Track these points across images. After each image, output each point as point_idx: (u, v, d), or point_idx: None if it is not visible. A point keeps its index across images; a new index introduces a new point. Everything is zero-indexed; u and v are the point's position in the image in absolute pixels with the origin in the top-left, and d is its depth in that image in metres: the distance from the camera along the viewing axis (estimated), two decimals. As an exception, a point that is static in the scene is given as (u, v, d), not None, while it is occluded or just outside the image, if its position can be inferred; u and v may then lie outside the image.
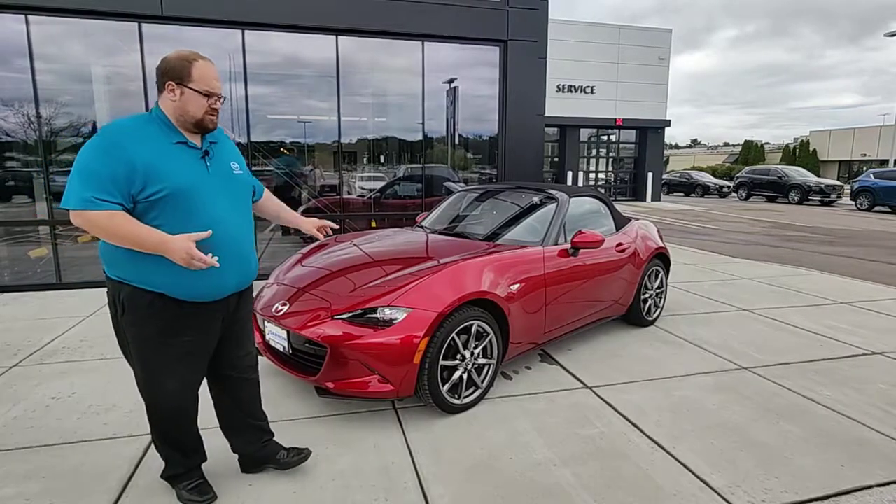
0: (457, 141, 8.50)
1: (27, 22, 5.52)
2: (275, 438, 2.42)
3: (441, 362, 2.84)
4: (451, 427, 2.85)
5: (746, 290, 6.08)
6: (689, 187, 28.83)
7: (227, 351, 2.16)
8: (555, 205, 3.94)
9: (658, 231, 5.01)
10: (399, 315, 2.75)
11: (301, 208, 7.66)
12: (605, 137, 23.52)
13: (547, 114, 20.95)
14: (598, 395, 3.26)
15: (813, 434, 2.79)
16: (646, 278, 4.48)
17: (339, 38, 6.42)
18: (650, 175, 21.97)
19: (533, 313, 3.39)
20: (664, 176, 32.85)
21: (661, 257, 4.72)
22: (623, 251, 4.20)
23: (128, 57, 5.91)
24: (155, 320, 1.88)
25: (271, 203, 2.45)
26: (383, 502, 2.21)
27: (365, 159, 8.42)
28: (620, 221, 4.48)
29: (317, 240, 2.71)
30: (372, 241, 3.93)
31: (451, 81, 7.89)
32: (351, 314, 2.81)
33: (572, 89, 20.63)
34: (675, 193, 29.39)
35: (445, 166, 8.71)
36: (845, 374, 3.59)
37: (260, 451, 2.34)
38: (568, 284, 3.67)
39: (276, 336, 3.07)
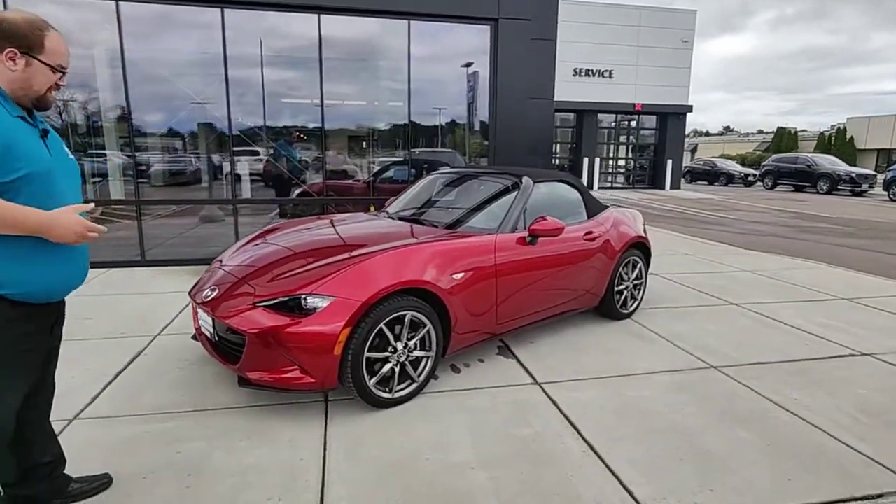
0: (477, 126, 8.25)
1: (4, 4, 5.49)
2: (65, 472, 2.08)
3: (367, 354, 2.68)
4: (378, 422, 2.70)
5: (742, 283, 5.75)
6: (713, 175, 27.88)
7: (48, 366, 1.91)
8: (517, 190, 3.71)
9: (642, 220, 4.74)
10: (321, 303, 2.60)
11: (296, 191, 7.58)
12: (626, 124, 22.87)
13: (563, 98, 20.53)
14: (545, 392, 3.06)
15: (768, 442, 2.55)
16: (621, 269, 4.23)
17: (324, 16, 6.22)
18: (669, 162, 21.27)
19: (481, 304, 3.20)
20: (688, 164, 31.93)
21: (640, 247, 4.46)
22: (593, 240, 3.95)
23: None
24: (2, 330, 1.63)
25: None
26: (278, 501, 2.08)
27: (364, 144, 8.27)
28: (594, 209, 4.22)
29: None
30: (322, 227, 3.78)
31: (468, 65, 7.62)
32: (273, 301, 2.67)
33: (590, 73, 20.02)
34: (699, 182, 28.47)
35: (452, 151, 8.49)
36: (823, 377, 3.31)
37: (49, 490, 1.97)
38: (525, 274, 3.46)
39: (205, 323, 2.97)
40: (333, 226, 3.79)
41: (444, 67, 7.46)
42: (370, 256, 2.84)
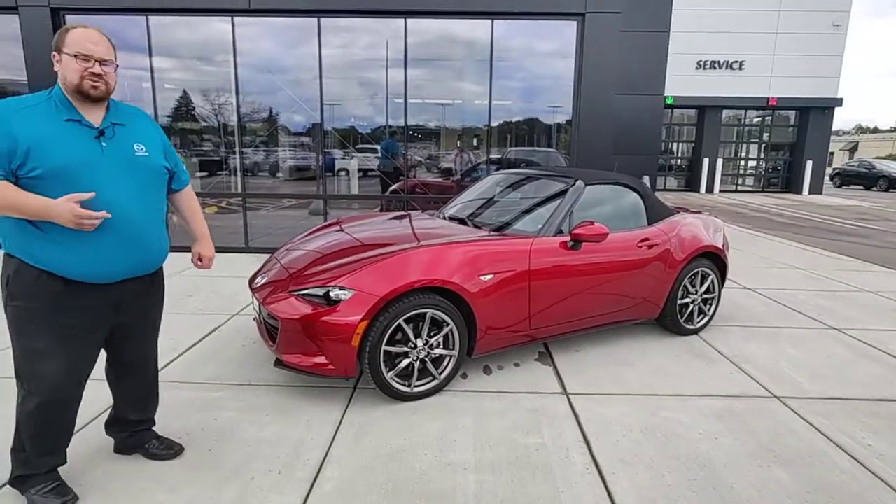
0: None
1: (147, 24, 6.46)
2: (153, 428, 2.42)
3: (385, 347, 2.80)
4: (392, 413, 2.81)
5: (856, 304, 4.97)
6: (870, 179, 24.01)
7: (117, 343, 2.15)
8: (564, 193, 3.60)
9: (720, 229, 4.31)
10: (344, 296, 2.77)
11: (391, 188, 7.95)
12: (757, 120, 20.60)
13: (683, 93, 19.11)
14: (570, 404, 2.95)
15: (806, 488, 2.23)
16: (686, 281, 3.90)
17: (409, 20, 6.47)
18: (809, 164, 18.74)
19: (512, 308, 3.17)
20: (840, 165, 28.03)
21: (713, 258, 4.06)
22: (650, 247, 3.69)
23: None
24: (39, 296, 1.86)
25: (186, 202, 2.36)
26: (276, 474, 2.28)
27: (459, 143, 8.41)
28: (657, 214, 3.93)
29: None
30: (374, 224, 3.98)
31: None
32: (304, 291, 2.89)
33: (715, 65, 18.30)
34: (852, 186, 24.75)
35: (547, 151, 8.38)
36: (916, 423, 2.79)
37: (128, 439, 2.36)
38: (565, 280, 3.35)
39: (256, 307, 3.28)
40: (385, 224, 3.97)
41: (563, 64, 7.06)
42: (394, 254, 2.95)
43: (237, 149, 7.32)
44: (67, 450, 2.12)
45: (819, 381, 3.28)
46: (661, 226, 3.86)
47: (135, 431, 2.37)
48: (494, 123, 7.83)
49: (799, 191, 19.14)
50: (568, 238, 3.36)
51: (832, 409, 2.93)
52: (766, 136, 20.54)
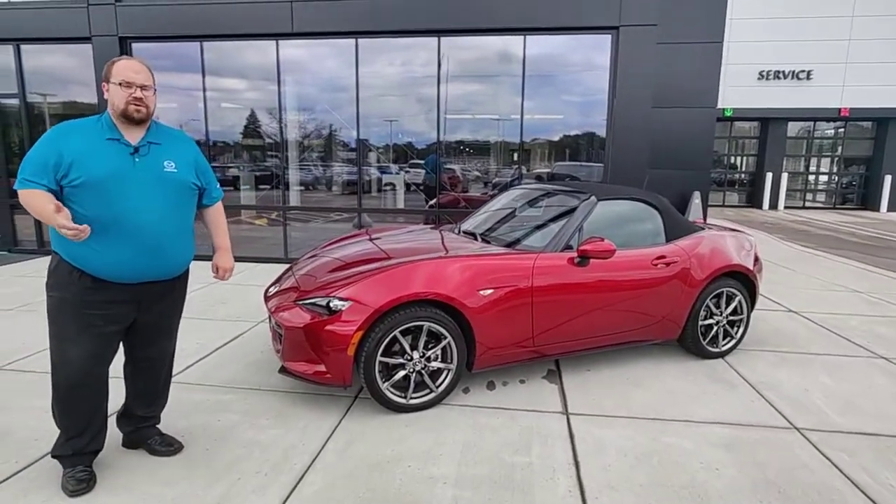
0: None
1: (201, 49, 6.95)
2: (157, 426, 2.57)
3: (381, 358, 2.85)
4: (386, 424, 2.84)
5: (916, 333, 4.54)
6: (963, 196, 21.86)
7: (133, 338, 2.34)
8: (574, 209, 3.53)
9: (752, 248, 4.07)
10: (342, 306, 2.84)
11: (432, 202, 8.05)
12: (830, 132, 19.29)
13: (745, 105, 18.31)
14: (568, 424, 2.88)
15: (807, 528, 2.06)
16: (709, 301, 3.71)
17: (443, 38, 6.61)
18: (888, 179, 17.30)
19: (513, 324, 3.13)
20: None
21: (740, 278, 3.84)
22: (667, 265, 3.55)
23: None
24: (70, 289, 2.11)
25: (213, 217, 2.56)
26: (262, 476, 2.36)
27: (500, 157, 8.41)
28: (677, 231, 3.77)
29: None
30: (394, 237, 4.05)
31: None
32: (307, 301, 2.99)
33: (780, 76, 17.34)
34: (942, 203, 22.58)
35: (600, 165, 8.24)
36: (956, 465, 2.51)
37: (133, 434, 2.52)
38: (570, 297, 3.28)
39: (269, 315, 3.43)
40: (402, 237, 4.05)
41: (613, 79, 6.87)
42: (391, 267, 3.00)
43: (282, 164, 7.69)
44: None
45: (851, 414, 3.02)
46: (681, 243, 3.70)
47: (140, 427, 2.52)
48: (555, 138, 7.80)
49: (876, 208, 17.70)
50: (575, 254, 3.29)
51: (859, 445, 2.69)
52: (838, 149, 19.19)
